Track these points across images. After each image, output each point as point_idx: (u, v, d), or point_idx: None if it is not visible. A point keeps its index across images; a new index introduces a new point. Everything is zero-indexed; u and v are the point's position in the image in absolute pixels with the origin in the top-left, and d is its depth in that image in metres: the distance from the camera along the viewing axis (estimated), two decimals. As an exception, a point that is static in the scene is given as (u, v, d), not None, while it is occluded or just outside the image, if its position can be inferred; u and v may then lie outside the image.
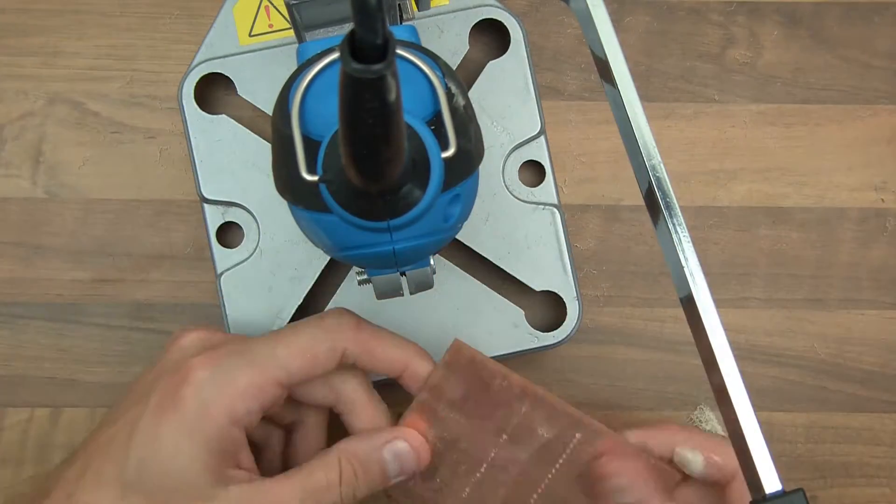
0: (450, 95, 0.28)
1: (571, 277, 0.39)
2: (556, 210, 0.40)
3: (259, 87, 0.39)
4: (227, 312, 0.39)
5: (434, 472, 0.34)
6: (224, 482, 0.30)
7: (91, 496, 0.29)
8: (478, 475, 0.34)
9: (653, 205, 0.26)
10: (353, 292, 0.40)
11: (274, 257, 0.39)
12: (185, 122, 0.39)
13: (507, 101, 0.40)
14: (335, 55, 0.27)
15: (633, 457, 0.34)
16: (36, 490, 0.31)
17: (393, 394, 0.35)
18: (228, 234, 0.40)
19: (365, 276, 0.33)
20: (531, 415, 0.34)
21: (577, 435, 0.34)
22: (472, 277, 0.40)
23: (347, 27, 0.32)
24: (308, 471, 0.31)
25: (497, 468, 0.34)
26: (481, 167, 0.30)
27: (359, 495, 0.32)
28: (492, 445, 0.34)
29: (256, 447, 0.35)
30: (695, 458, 0.34)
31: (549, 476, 0.34)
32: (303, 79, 0.27)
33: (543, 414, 0.34)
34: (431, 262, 0.32)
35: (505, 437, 0.34)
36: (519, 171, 0.40)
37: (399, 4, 0.33)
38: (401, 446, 0.33)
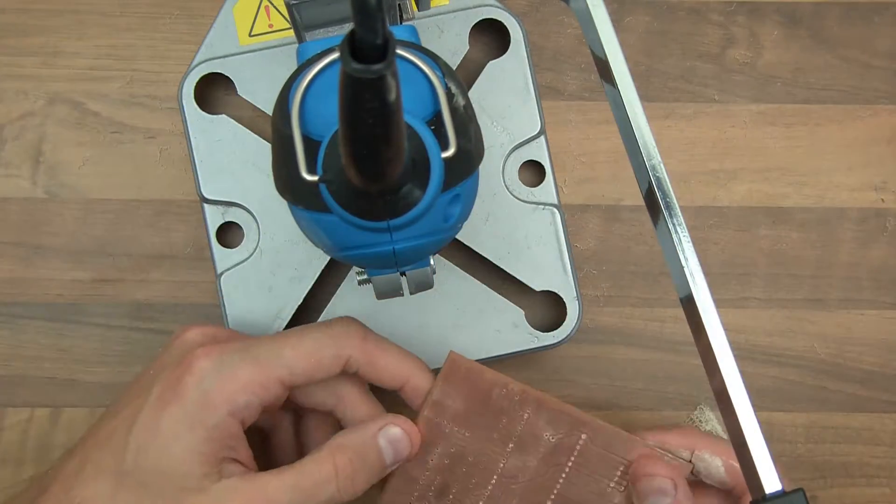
0: (450, 95, 0.28)
1: (571, 277, 0.39)
2: (556, 210, 0.40)
3: (259, 87, 0.39)
4: (227, 312, 0.39)
5: (446, 489, 0.34)
6: (217, 475, 0.30)
7: (89, 490, 0.29)
8: (489, 488, 0.34)
9: (653, 205, 0.26)
10: (353, 292, 0.40)
11: (274, 257, 0.39)
12: (185, 122, 0.39)
13: (507, 101, 0.40)
14: (335, 55, 0.27)
15: (667, 464, 0.33)
16: (35, 486, 0.31)
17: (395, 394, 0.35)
18: (228, 234, 0.40)
19: (365, 276, 0.33)
20: (534, 420, 0.34)
21: (583, 436, 0.34)
22: (472, 277, 0.40)
23: (347, 27, 0.31)
24: (300, 467, 0.31)
25: (508, 478, 0.34)
26: (481, 167, 0.30)
27: (359, 485, 0.32)
28: (500, 456, 0.34)
29: (265, 433, 0.36)
30: (714, 462, 0.34)
31: (561, 480, 0.34)
32: (303, 79, 0.27)
33: (546, 417, 0.34)
34: (431, 262, 0.32)
35: (511, 445, 0.34)
36: (519, 171, 0.40)
37: (399, 4, 0.33)
38: (394, 431, 0.33)
